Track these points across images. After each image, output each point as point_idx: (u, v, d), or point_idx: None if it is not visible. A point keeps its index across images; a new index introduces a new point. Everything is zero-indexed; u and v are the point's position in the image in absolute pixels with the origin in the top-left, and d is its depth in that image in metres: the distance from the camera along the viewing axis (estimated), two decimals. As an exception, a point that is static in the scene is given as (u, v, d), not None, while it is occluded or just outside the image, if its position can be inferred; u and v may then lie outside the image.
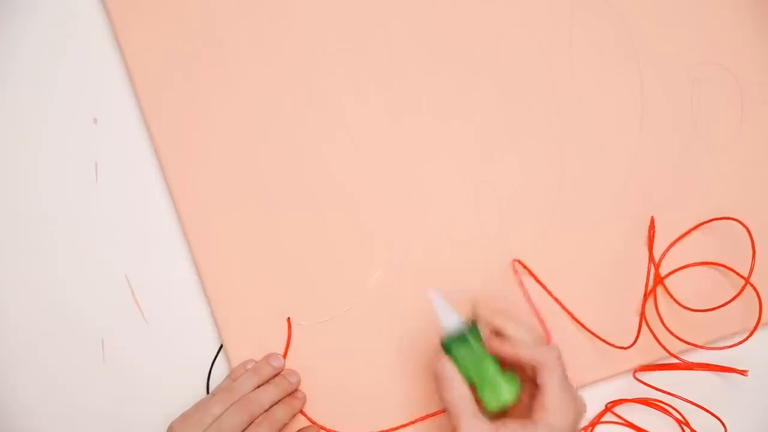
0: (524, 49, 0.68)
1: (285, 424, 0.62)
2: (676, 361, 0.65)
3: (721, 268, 0.67)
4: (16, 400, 0.64)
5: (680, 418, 0.65)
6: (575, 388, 0.57)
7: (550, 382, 0.54)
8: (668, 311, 0.66)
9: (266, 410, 0.61)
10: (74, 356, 0.65)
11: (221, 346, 0.64)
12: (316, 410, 0.64)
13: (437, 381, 0.56)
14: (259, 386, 0.62)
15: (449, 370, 0.56)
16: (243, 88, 0.66)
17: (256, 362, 0.64)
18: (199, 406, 0.60)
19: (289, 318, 0.65)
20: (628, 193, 0.67)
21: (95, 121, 0.66)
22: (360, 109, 0.66)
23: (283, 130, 0.66)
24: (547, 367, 0.55)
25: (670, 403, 0.65)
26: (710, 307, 0.65)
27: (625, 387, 0.66)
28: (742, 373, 0.65)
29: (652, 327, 0.65)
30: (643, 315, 0.65)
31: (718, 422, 0.65)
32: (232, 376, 0.63)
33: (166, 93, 0.65)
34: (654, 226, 0.66)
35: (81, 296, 0.65)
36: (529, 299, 0.64)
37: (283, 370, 0.64)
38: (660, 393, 0.65)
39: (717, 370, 0.66)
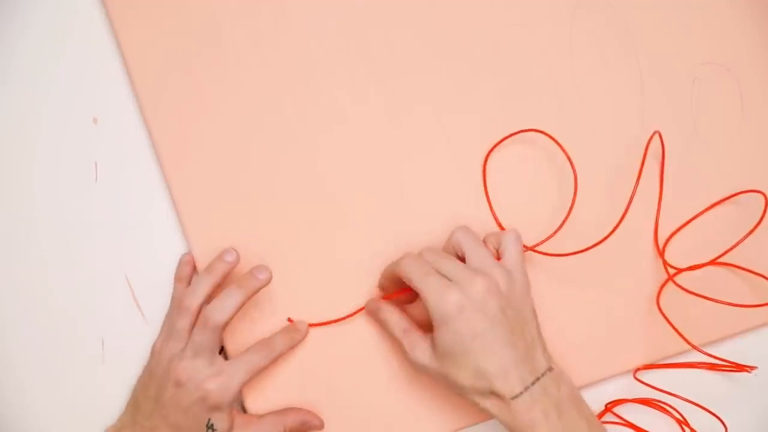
0: (525, 48, 0.68)
1: (281, 354, 0.63)
2: (676, 360, 0.66)
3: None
4: (16, 400, 0.64)
5: (680, 417, 0.65)
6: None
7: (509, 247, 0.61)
8: (672, 309, 0.66)
9: (267, 338, 0.62)
10: (74, 356, 0.64)
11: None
12: (317, 411, 0.64)
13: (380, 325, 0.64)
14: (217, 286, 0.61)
15: (386, 311, 0.63)
16: (243, 88, 0.66)
17: (192, 256, 0.64)
18: (167, 327, 0.62)
19: (290, 318, 0.65)
20: (627, 192, 0.67)
21: (95, 120, 0.66)
22: (359, 109, 0.66)
23: (283, 130, 0.66)
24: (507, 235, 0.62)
25: (671, 403, 0.65)
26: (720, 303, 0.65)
27: (625, 387, 0.66)
28: (746, 368, 0.65)
29: (656, 325, 0.65)
30: (658, 306, 0.66)
31: (719, 422, 0.65)
32: (178, 276, 0.64)
33: (165, 92, 0.65)
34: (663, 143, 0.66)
35: (80, 296, 0.65)
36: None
37: (236, 264, 0.62)
38: (660, 393, 0.65)
39: (721, 369, 0.66)
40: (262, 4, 0.66)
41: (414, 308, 0.64)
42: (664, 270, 0.66)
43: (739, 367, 0.65)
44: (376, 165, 0.66)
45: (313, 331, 0.65)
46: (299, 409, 0.63)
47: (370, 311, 0.64)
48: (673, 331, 0.65)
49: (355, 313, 0.65)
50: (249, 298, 0.61)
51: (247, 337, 0.64)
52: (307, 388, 0.64)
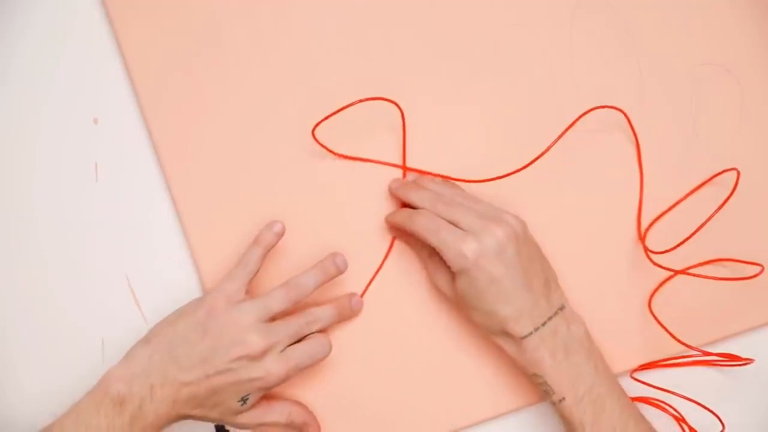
0: (525, 48, 0.68)
1: (328, 324, 0.63)
2: (673, 360, 0.66)
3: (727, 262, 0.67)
4: (16, 399, 0.64)
5: (678, 415, 0.65)
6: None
7: None
8: (667, 312, 0.66)
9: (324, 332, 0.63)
10: (74, 356, 0.65)
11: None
12: (317, 412, 0.64)
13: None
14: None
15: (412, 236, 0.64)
16: (243, 88, 0.66)
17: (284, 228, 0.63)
18: (243, 289, 0.61)
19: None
20: (627, 192, 0.67)
21: (95, 121, 0.66)
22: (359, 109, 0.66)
23: (282, 130, 0.66)
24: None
25: (669, 402, 0.66)
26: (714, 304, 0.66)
27: (624, 387, 0.67)
28: (742, 360, 0.65)
29: (653, 327, 0.66)
30: (650, 309, 0.66)
31: (717, 420, 0.65)
32: (263, 243, 0.62)
33: (165, 93, 0.65)
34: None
35: (81, 296, 0.65)
36: None
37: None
38: (657, 391, 0.66)
39: (717, 364, 0.66)
40: (262, 4, 0.66)
41: None
42: (653, 271, 0.66)
43: (734, 358, 0.65)
44: (375, 164, 0.66)
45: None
46: (306, 410, 0.63)
47: (397, 223, 0.65)
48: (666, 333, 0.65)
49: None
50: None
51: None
52: (307, 387, 0.65)
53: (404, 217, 0.63)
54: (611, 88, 0.68)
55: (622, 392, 0.61)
